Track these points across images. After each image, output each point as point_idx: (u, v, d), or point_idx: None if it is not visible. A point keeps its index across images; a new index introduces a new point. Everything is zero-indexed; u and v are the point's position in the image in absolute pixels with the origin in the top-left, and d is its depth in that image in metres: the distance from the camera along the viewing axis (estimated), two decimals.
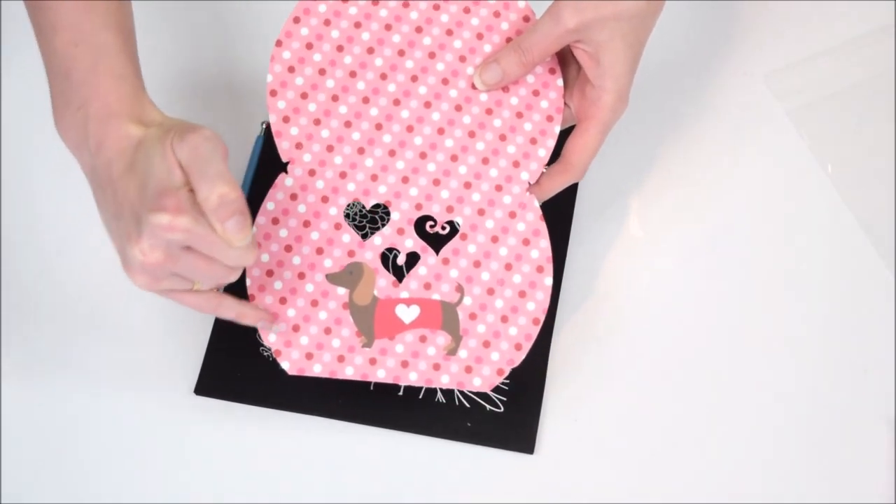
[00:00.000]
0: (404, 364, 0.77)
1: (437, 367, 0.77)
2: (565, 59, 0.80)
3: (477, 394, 0.84)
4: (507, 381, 0.84)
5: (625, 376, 0.85)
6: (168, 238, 0.65)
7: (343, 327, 0.77)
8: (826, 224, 0.89)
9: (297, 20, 0.80)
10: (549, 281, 0.78)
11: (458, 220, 0.79)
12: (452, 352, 0.77)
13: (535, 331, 0.77)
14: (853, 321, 0.86)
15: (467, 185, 0.79)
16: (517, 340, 0.77)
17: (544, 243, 0.78)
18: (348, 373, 0.77)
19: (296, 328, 0.77)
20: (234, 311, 0.74)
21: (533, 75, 0.79)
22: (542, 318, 0.77)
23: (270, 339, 0.77)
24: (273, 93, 0.79)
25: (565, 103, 0.80)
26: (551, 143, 0.79)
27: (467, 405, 0.83)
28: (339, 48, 0.80)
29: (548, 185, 0.79)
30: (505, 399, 0.84)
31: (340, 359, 0.77)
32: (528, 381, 0.84)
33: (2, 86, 0.94)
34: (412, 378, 0.77)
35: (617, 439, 0.83)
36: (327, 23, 0.80)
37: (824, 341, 0.86)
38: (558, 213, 0.89)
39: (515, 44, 0.77)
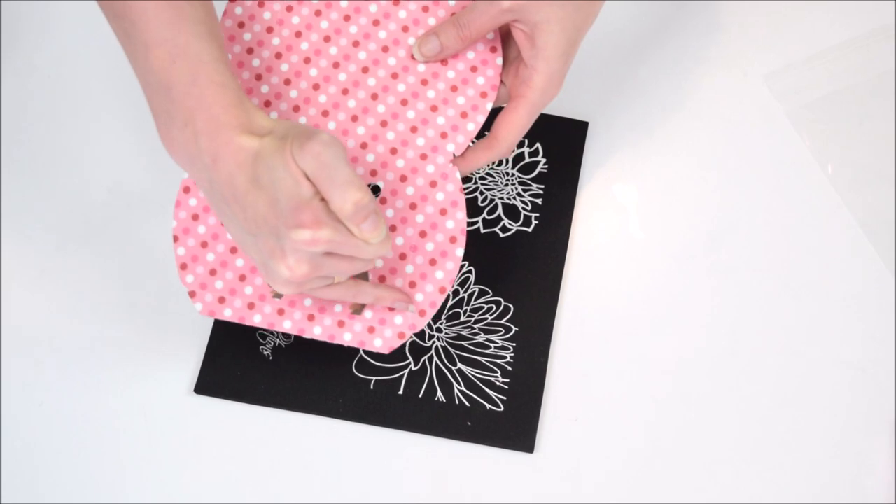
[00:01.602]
0: (310, 318, 0.79)
1: (341, 324, 0.78)
2: (507, 39, 0.82)
3: (477, 393, 0.84)
4: (507, 381, 0.84)
5: (625, 375, 0.85)
6: (312, 251, 0.68)
7: (256, 276, 0.79)
8: (826, 224, 0.89)
9: None
10: (460, 252, 0.79)
11: (380, 184, 0.80)
12: (358, 312, 0.78)
13: (440, 299, 0.78)
14: (853, 321, 0.86)
15: (393, 151, 0.80)
16: (422, 307, 0.78)
17: (461, 215, 0.79)
18: (256, 320, 0.79)
19: (212, 272, 0.79)
20: (371, 295, 0.77)
21: (474, 52, 0.81)
22: (450, 287, 0.79)
23: (187, 280, 0.79)
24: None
25: (501, 81, 0.81)
26: (481, 118, 0.80)
27: (467, 404, 0.83)
28: (289, 8, 0.81)
29: (472, 158, 0.80)
30: (505, 398, 0.84)
31: (251, 306, 0.79)
32: (528, 381, 0.84)
33: (2, 86, 0.94)
34: (316, 332, 0.78)
35: (617, 438, 0.83)
36: (261, 4, 0.81)
37: (824, 341, 0.86)
38: (558, 213, 0.90)
39: (455, 19, 0.79)
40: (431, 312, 0.79)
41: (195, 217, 0.79)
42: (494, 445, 0.82)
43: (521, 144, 0.91)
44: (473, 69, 0.81)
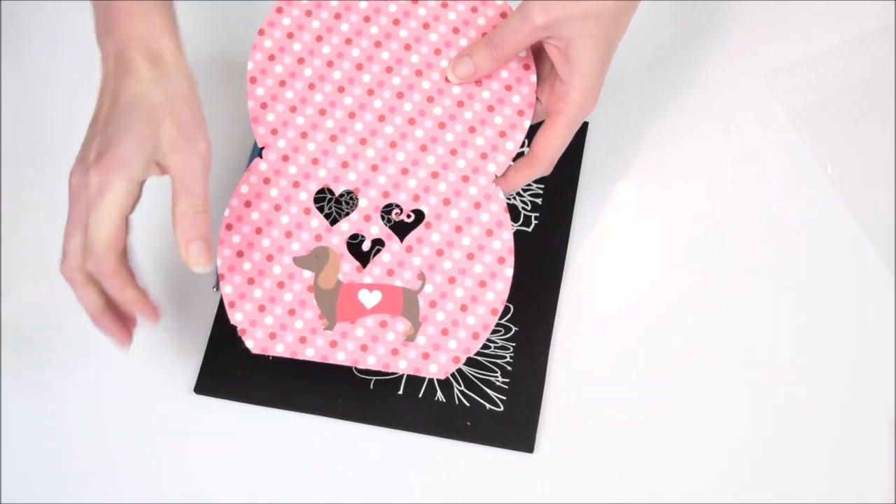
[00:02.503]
0: (363, 348, 0.78)
1: (395, 352, 0.78)
2: (540, 55, 0.81)
3: (477, 393, 0.84)
4: (507, 381, 0.84)
5: (625, 375, 0.85)
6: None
7: (307, 309, 0.78)
8: (826, 224, 0.89)
9: (279, 10, 0.82)
10: (509, 272, 0.78)
11: (423, 208, 0.79)
12: (411, 338, 0.78)
13: (492, 321, 0.78)
14: (853, 321, 0.86)
15: (434, 175, 0.80)
16: (475, 329, 0.78)
17: (507, 234, 0.79)
18: (309, 354, 0.78)
19: (261, 308, 0.78)
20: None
21: (507, 70, 0.80)
22: (501, 308, 0.78)
23: (237, 318, 0.78)
24: (252, 80, 0.81)
25: (537, 98, 0.81)
26: (520, 136, 0.80)
27: (467, 404, 0.84)
28: (318, 38, 0.81)
29: (514, 177, 0.80)
30: (505, 398, 0.84)
31: (302, 340, 0.78)
32: (528, 381, 0.84)
33: (2, 86, 0.94)
34: (370, 362, 0.78)
35: (617, 438, 0.83)
36: (308, 13, 0.82)
37: (824, 341, 0.86)
38: (558, 213, 0.90)
39: (487, 39, 0.78)
40: (485, 335, 0.78)
41: (240, 254, 0.79)
42: (494, 445, 0.83)
43: (521, 144, 0.91)
44: (508, 88, 0.80)
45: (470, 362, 0.85)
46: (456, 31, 0.81)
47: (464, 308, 0.78)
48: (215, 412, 0.84)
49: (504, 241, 0.79)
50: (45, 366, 0.86)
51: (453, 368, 0.78)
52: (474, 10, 0.81)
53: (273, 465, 0.83)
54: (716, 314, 0.86)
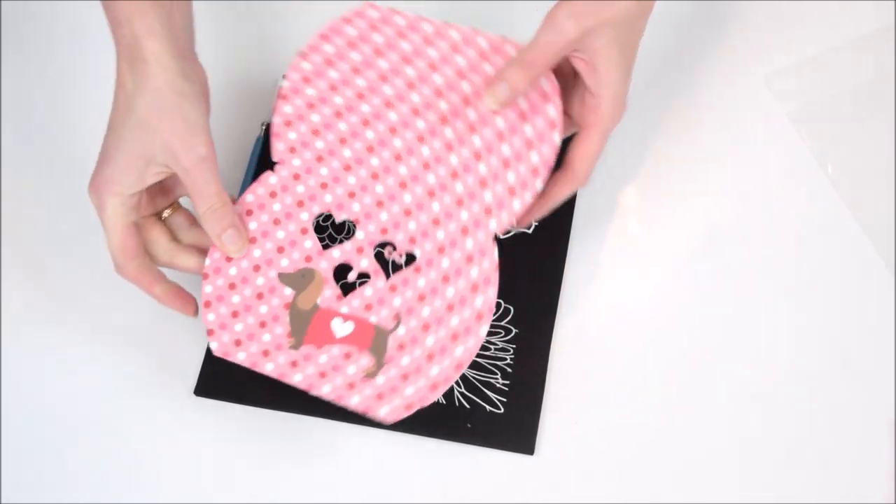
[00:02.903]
0: (322, 374, 0.78)
1: (351, 385, 0.78)
2: (559, 69, 0.79)
3: (477, 395, 0.84)
4: (507, 383, 0.84)
5: (625, 378, 0.85)
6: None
7: (278, 325, 0.79)
8: (826, 224, 0.89)
9: (324, 37, 0.83)
10: (483, 330, 0.77)
11: (417, 252, 0.80)
12: (371, 375, 0.78)
13: (454, 375, 0.77)
14: (853, 321, 0.86)
15: (435, 222, 0.80)
16: (435, 381, 0.77)
17: (492, 292, 0.78)
18: (268, 368, 0.79)
19: (234, 314, 0.80)
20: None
21: (532, 127, 0.79)
22: (466, 364, 0.77)
23: (209, 318, 0.80)
24: (283, 97, 0.82)
25: (566, 113, 0.80)
26: (529, 197, 0.78)
27: (467, 406, 0.84)
28: (355, 70, 0.82)
29: (553, 193, 0.79)
30: (505, 400, 0.84)
31: (265, 353, 0.79)
32: (528, 382, 0.84)
33: (2, 86, 0.94)
34: (324, 391, 0.78)
35: (617, 441, 0.83)
36: (351, 45, 0.83)
37: (824, 341, 0.86)
38: (559, 213, 0.89)
39: (519, 58, 0.76)
40: (444, 388, 0.77)
41: (228, 259, 0.80)
42: (494, 447, 0.83)
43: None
44: (529, 145, 0.79)
45: (470, 364, 0.84)
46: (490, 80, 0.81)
47: (430, 357, 0.77)
48: (215, 414, 0.84)
49: (487, 298, 0.78)
50: (45, 367, 0.86)
51: (404, 415, 0.77)
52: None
53: (273, 466, 0.83)
54: (715, 314, 0.86)
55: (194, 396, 0.84)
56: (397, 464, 0.83)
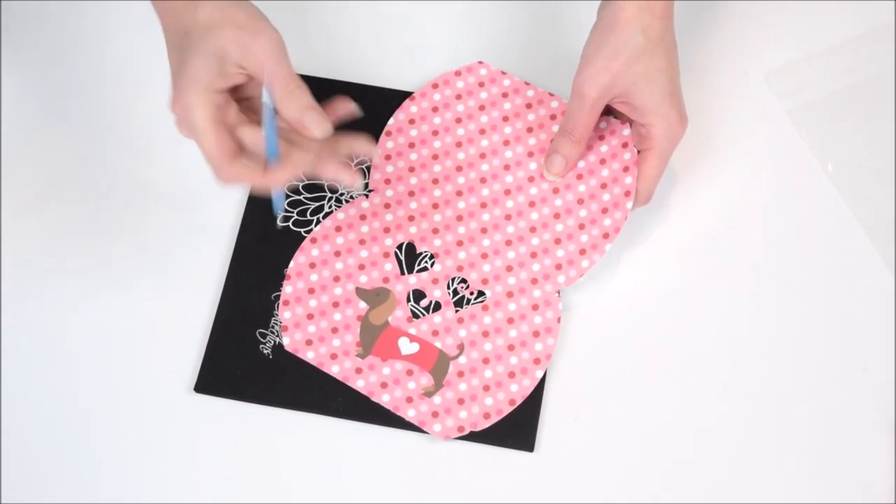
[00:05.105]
0: (383, 385, 0.82)
1: (409, 399, 0.82)
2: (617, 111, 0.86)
3: None
4: None
5: (625, 375, 0.84)
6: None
7: (348, 333, 0.84)
8: (826, 223, 0.89)
9: (435, 86, 0.91)
10: (539, 373, 0.83)
11: (487, 292, 0.85)
12: (429, 394, 0.83)
13: (507, 409, 0.82)
14: (853, 321, 0.86)
15: (508, 269, 0.85)
16: (487, 410, 0.82)
17: (551, 341, 0.84)
18: (333, 370, 0.83)
19: (309, 316, 0.85)
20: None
21: (609, 194, 0.86)
22: (519, 401, 0.82)
23: (285, 316, 0.85)
24: (388, 133, 0.90)
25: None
26: (598, 258, 0.85)
27: None
28: (458, 120, 0.90)
29: None
30: None
31: (333, 356, 0.84)
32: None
33: (2, 86, 0.94)
34: (384, 399, 0.82)
35: (617, 437, 0.83)
36: (458, 97, 0.91)
37: (824, 341, 0.86)
38: None
39: (561, 130, 0.85)
40: (495, 419, 0.82)
41: (312, 265, 0.86)
42: (495, 445, 0.82)
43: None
44: (604, 211, 0.85)
45: None
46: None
47: (486, 388, 0.82)
48: (215, 411, 0.84)
49: (547, 346, 0.84)
50: (44, 364, 0.86)
51: (455, 435, 0.81)
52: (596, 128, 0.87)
53: (273, 464, 0.83)
54: (715, 313, 0.86)
55: (194, 393, 0.84)
56: (397, 461, 0.82)
